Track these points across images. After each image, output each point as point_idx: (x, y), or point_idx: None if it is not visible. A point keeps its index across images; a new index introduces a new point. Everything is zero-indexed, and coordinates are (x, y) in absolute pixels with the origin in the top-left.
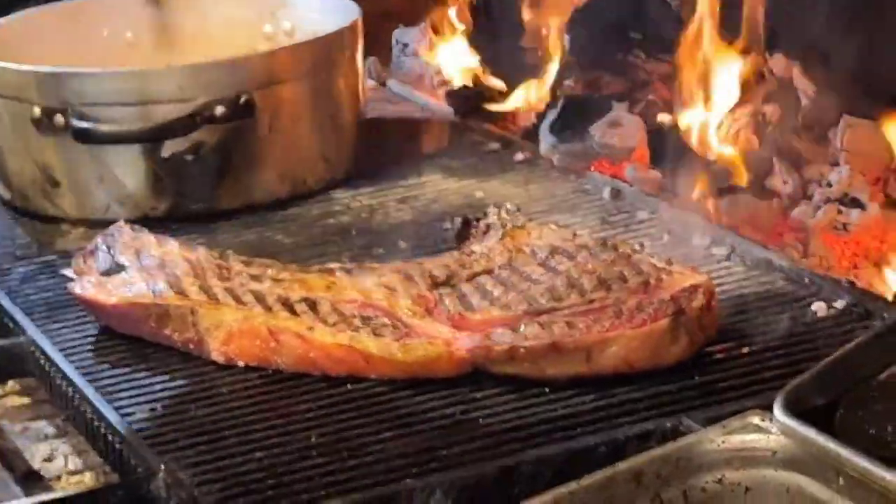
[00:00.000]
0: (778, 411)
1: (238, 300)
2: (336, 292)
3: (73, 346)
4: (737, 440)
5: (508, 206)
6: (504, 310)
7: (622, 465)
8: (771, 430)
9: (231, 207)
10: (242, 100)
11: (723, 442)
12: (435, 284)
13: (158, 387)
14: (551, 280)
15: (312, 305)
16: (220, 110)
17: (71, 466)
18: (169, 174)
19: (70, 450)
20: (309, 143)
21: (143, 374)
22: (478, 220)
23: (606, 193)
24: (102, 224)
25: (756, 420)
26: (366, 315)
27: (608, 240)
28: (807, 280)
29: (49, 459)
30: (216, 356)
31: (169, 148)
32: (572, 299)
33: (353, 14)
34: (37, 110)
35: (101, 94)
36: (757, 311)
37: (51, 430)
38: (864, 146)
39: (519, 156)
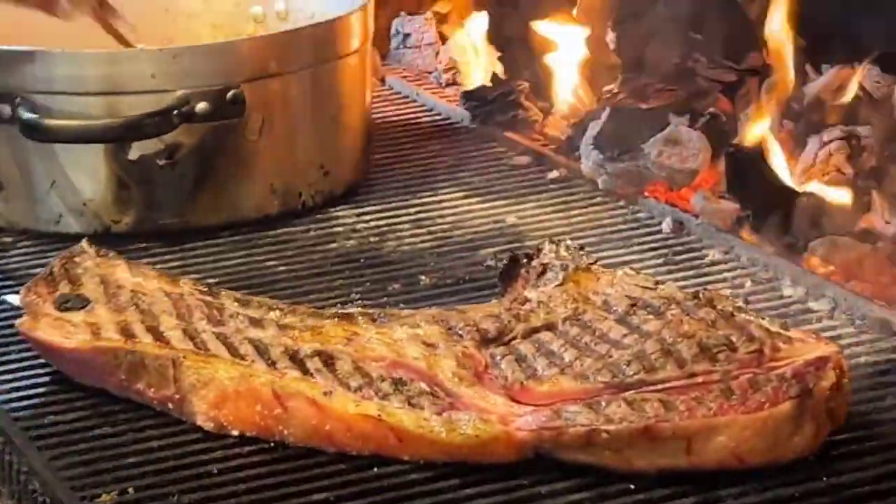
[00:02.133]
0: None
1: (233, 351)
2: (359, 347)
3: (17, 399)
4: None
5: (568, 242)
6: (579, 380)
7: None
8: None
9: (210, 224)
10: (229, 94)
11: None
12: (484, 341)
13: (129, 461)
14: (639, 344)
15: (329, 362)
16: (201, 106)
17: None
18: (137, 181)
19: None
20: (306, 149)
21: (109, 440)
22: (529, 258)
23: (667, 225)
24: (52, 237)
25: None
26: (398, 378)
27: (702, 292)
28: None
29: None
30: (203, 421)
31: (138, 149)
32: (668, 371)
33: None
34: None
35: (56, 81)
36: (882, 388)
37: None
38: None
39: (553, 173)
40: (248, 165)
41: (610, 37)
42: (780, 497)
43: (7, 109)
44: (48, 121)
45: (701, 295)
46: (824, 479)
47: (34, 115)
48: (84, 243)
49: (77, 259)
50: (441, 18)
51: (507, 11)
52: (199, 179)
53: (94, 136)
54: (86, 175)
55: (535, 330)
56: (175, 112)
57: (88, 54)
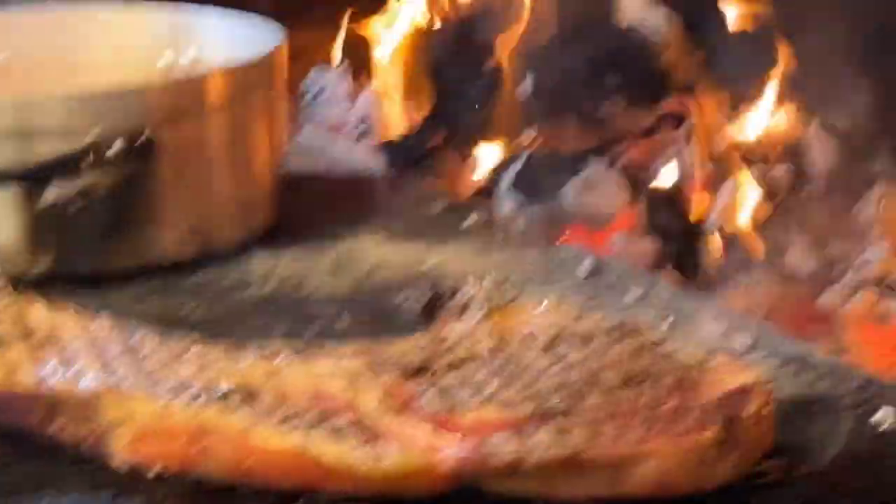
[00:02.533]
0: None
1: (153, 388)
2: (281, 381)
3: None
4: None
5: (491, 277)
6: (504, 409)
7: None
8: None
9: (125, 269)
10: (141, 138)
11: None
12: (408, 374)
13: (45, 500)
14: (563, 374)
15: (250, 398)
16: (112, 150)
17: None
18: (49, 226)
19: None
20: (221, 193)
21: (21, 482)
22: (451, 293)
23: (585, 267)
24: None
25: None
26: (321, 411)
27: (625, 323)
28: (859, 382)
29: None
30: (121, 460)
31: (50, 194)
32: (593, 400)
33: (275, 39)
34: None
35: None
36: (805, 419)
37: None
38: None
39: (471, 219)
40: (161, 210)
41: (526, 83)
42: None
43: None
44: None
45: (625, 326)
46: None
47: None
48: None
49: None
50: (355, 71)
51: (425, 63)
52: (111, 224)
53: (3, 180)
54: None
55: (459, 362)
56: (85, 155)
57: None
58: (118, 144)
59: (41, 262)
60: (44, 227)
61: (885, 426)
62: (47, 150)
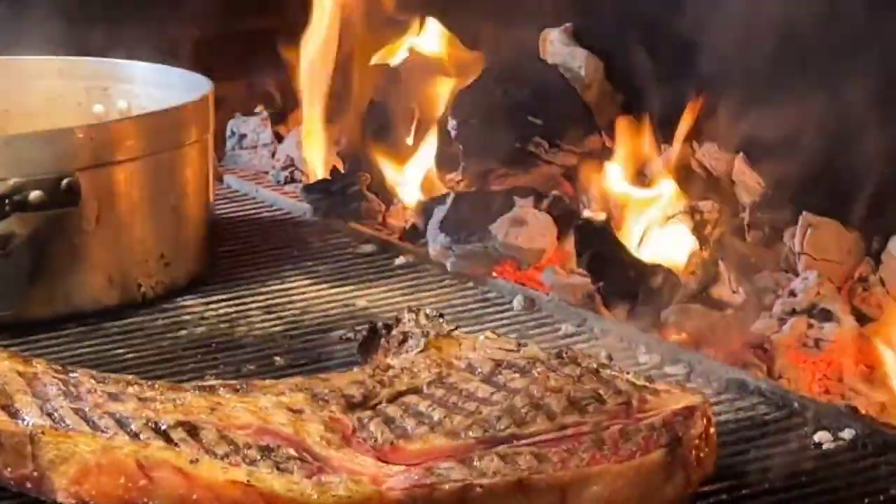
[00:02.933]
0: None
1: (94, 425)
2: (223, 416)
3: None
4: None
5: (428, 310)
6: (450, 437)
7: None
8: None
9: (46, 316)
10: (63, 183)
11: None
12: (350, 406)
13: None
14: (507, 400)
15: (193, 432)
16: (34, 195)
17: None
18: None
19: None
20: (145, 239)
21: None
22: (388, 328)
23: (518, 302)
24: None
25: None
26: (265, 445)
27: (564, 351)
28: (796, 405)
29: None
30: (63, 498)
31: None
32: (539, 425)
33: (202, 88)
34: None
35: None
36: (745, 442)
37: None
38: (828, 249)
39: (400, 259)
40: (84, 256)
41: (451, 124)
42: None
43: None
44: None
45: (564, 354)
46: None
47: None
48: None
49: None
50: (275, 118)
51: (341, 106)
52: (34, 270)
53: None
54: None
55: (401, 394)
56: (7, 200)
57: None
58: (40, 190)
59: None
60: None
61: (826, 446)
62: None
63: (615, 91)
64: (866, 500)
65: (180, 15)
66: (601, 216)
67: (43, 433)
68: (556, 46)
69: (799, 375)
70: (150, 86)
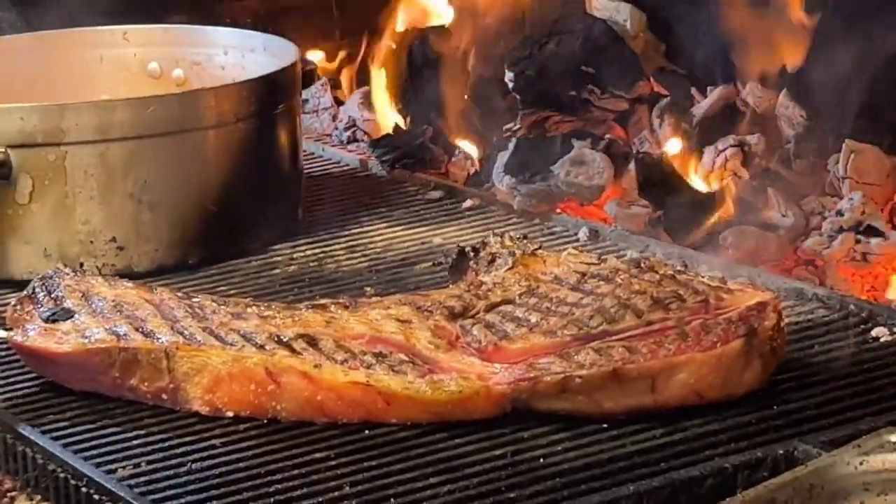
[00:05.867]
0: None
1: (222, 340)
2: (338, 328)
3: (14, 406)
4: (877, 461)
5: (512, 233)
6: (548, 336)
7: (750, 494)
8: None
9: None
10: None
11: (861, 464)
12: (452, 316)
13: (136, 442)
14: (597, 302)
15: (312, 343)
16: None
17: None
18: None
19: None
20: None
21: (111, 430)
22: (476, 250)
23: (583, 234)
24: None
25: (894, 437)
26: (378, 351)
27: (643, 261)
28: (852, 307)
29: None
30: (198, 406)
31: None
32: (628, 321)
33: (290, 56)
34: None
35: None
36: (810, 339)
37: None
38: (870, 173)
39: (468, 202)
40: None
41: (508, 76)
42: (739, 423)
43: None
44: None
45: (643, 263)
46: (775, 407)
47: None
48: (60, 265)
49: (55, 279)
50: (335, 84)
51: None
52: None
53: None
54: None
55: (496, 304)
56: None
57: None
58: None
59: None
60: None
61: (884, 339)
62: None
63: (658, 41)
64: None
65: None
66: (657, 151)
67: (177, 348)
68: (602, 2)
69: (849, 286)
70: (235, 50)
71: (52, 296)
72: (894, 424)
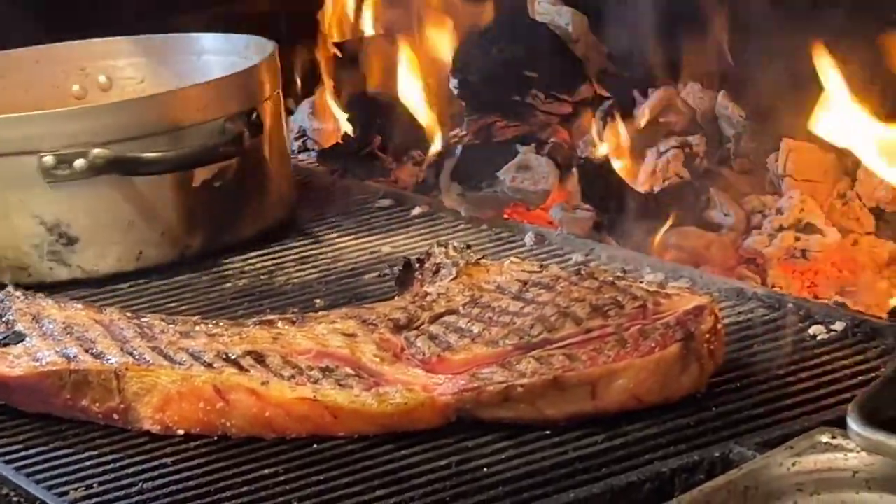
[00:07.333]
0: (856, 425)
1: (171, 359)
2: (285, 343)
3: None
4: (809, 462)
5: (455, 243)
6: (490, 346)
7: (686, 498)
8: (848, 448)
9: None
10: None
11: (793, 465)
12: (397, 328)
13: (88, 463)
14: (537, 311)
15: (260, 360)
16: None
17: None
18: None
19: None
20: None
21: (63, 451)
22: (421, 261)
23: (529, 239)
24: None
25: (826, 438)
26: (325, 366)
27: (583, 268)
28: (790, 306)
29: None
30: (149, 425)
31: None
32: (567, 329)
33: (267, 49)
34: None
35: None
36: (749, 339)
37: None
38: (809, 170)
39: (416, 210)
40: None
41: (452, 82)
42: (678, 426)
43: (82, 163)
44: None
45: (583, 270)
46: (713, 409)
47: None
48: (10, 287)
49: (6, 302)
50: (284, 92)
51: (348, 77)
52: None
53: (183, 164)
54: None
55: (440, 315)
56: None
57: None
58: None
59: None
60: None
61: (821, 337)
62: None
63: (600, 43)
64: (860, 378)
65: None
66: (600, 155)
67: (127, 369)
68: (544, 6)
69: (790, 284)
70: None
71: (4, 319)
72: (827, 425)
